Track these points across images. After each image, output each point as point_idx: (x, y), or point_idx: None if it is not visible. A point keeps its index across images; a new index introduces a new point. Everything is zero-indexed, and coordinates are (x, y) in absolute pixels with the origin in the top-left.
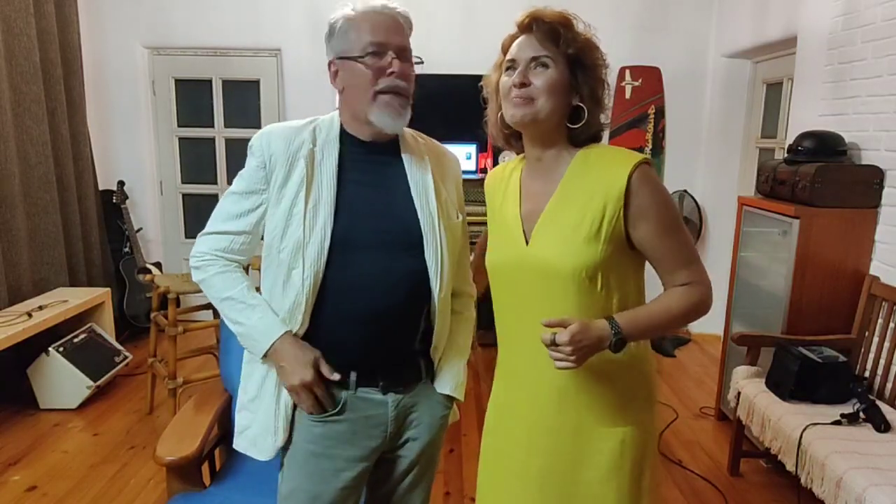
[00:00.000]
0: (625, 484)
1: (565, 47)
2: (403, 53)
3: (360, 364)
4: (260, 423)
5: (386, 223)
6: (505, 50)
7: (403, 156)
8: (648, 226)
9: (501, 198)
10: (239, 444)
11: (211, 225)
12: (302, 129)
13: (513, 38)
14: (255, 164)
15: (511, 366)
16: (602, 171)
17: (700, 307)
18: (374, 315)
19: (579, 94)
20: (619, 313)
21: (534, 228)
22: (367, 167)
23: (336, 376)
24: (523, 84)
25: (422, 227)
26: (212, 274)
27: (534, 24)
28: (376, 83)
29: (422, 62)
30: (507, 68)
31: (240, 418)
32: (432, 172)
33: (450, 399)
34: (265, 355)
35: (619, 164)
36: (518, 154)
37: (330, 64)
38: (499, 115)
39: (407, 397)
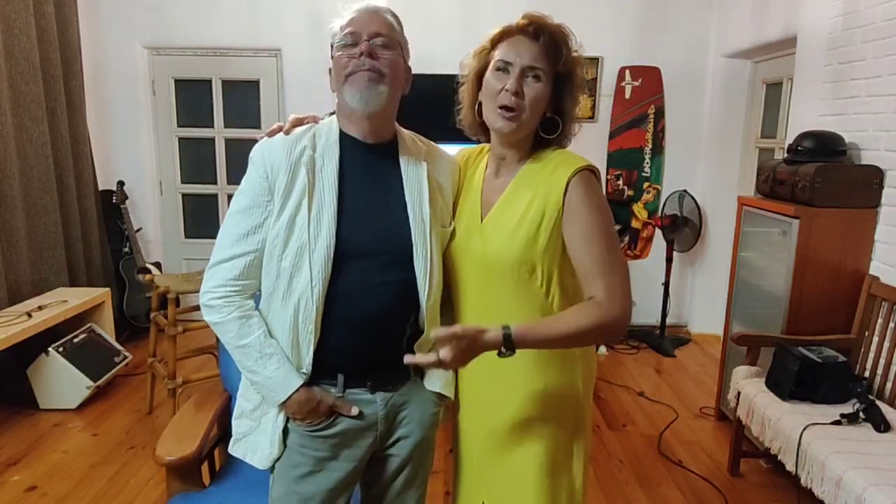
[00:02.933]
0: (559, 470)
1: (561, 65)
2: (377, 37)
3: (347, 367)
4: (261, 433)
5: (380, 231)
6: (494, 43)
7: (401, 158)
8: (573, 227)
9: (469, 175)
10: (236, 450)
11: (218, 253)
12: (301, 135)
13: (505, 34)
14: (258, 175)
15: None
16: (548, 175)
17: (603, 329)
18: (362, 321)
19: (556, 107)
20: (518, 324)
21: (485, 219)
22: (366, 172)
23: (355, 411)
24: (517, 93)
25: (413, 235)
26: (228, 318)
27: (539, 34)
28: (347, 66)
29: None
30: (499, 69)
31: (238, 425)
32: (429, 177)
33: (440, 396)
34: (280, 405)
35: (563, 169)
36: (485, 142)
37: (330, 71)
38: (476, 105)
39: (396, 395)
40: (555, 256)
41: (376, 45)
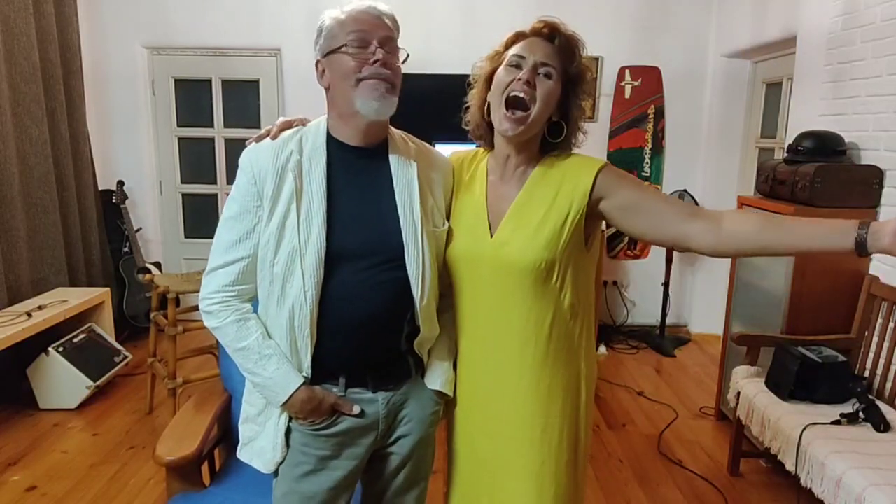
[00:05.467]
0: (562, 467)
1: (573, 68)
2: (387, 45)
3: (348, 368)
4: (265, 438)
5: (371, 233)
6: (507, 46)
7: (391, 158)
8: (624, 193)
9: (468, 179)
10: (243, 454)
11: (213, 259)
12: (289, 140)
13: (520, 36)
14: (246, 181)
15: (468, 352)
16: (568, 174)
17: None
18: (359, 323)
19: (562, 112)
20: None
21: (500, 224)
22: (355, 174)
23: (357, 410)
24: (528, 83)
25: (404, 236)
26: (225, 322)
27: (555, 35)
28: (359, 71)
29: (408, 56)
30: (512, 65)
31: (244, 430)
32: (419, 178)
33: (440, 395)
34: (282, 405)
35: (585, 167)
36: (487, 147)
37: (317, 64)
38: (485, 105)
39: (397, 394)
40: (573, 251)
41: (388, 52)
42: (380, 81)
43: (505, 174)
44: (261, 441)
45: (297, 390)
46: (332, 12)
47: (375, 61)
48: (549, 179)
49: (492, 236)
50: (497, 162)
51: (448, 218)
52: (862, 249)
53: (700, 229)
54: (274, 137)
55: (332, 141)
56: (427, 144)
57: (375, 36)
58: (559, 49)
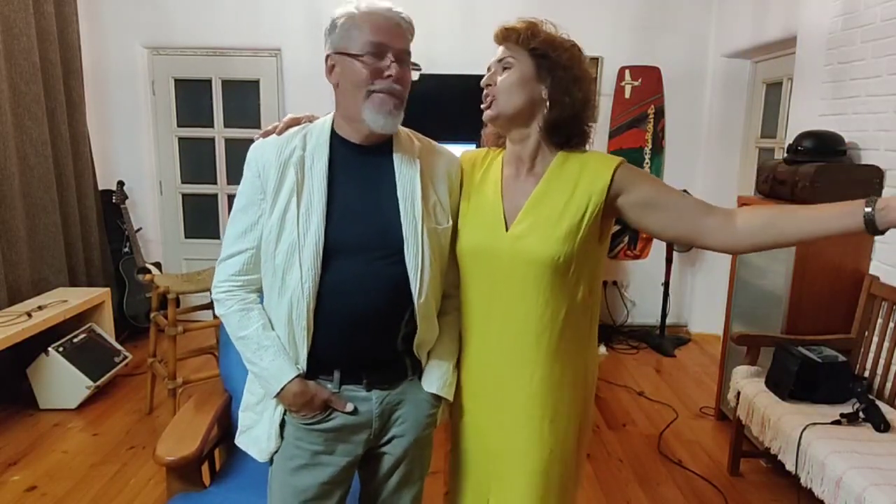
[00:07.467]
0: (568, 454)
1: (525, 44)
2: (402, 57)
3: (343, 363)
4: (261, 427)
5: (370, 228)
6: None
7: (395, 156)
8: (643, 189)
9: (480, 177)
10: (241, 441)
11: (223, 250)
12: (293, 136)
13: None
14: (251, 175)
15: (479, 347)
16: (586, 170)
17: None
18: (355, 318)
19: (544, 84)
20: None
21: (516, 218)
22: (357, 170)
23: (350, 407)
24: (488, 85)
25: (404, 231)
26: (230, 310)
27: (502, 34)
28: (372, 83)
29: (419, 69)
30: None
31: (243, 417)
32: (422, 175)
33: (437, 398)
34: (275, 396)
35: (603, 164)
36: (502, 145)
37: (327, 58)
38: None
39: (392, 394)
40: (588, 246)
41: (402, 64)
42: (390, 97)
43: (520, 171)
44: (258, 430)
45: (289, 382)
46: (349, 7)
47: (389, 76)
48: (566, 175)
49: (507, 230)
50: (512, 160)
51: (456, 216)
52: (872, 228)
53: (716, 225)
54: (279, 133)
55: (336, 137)
56: (433, 142)
57: (392, 47)
58: (513, 42)
